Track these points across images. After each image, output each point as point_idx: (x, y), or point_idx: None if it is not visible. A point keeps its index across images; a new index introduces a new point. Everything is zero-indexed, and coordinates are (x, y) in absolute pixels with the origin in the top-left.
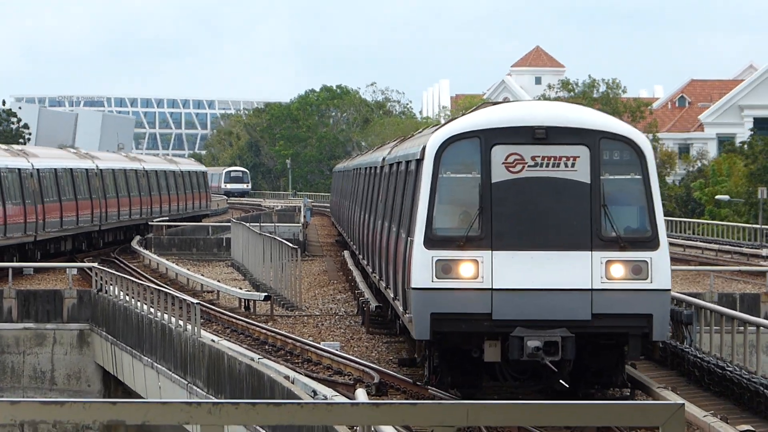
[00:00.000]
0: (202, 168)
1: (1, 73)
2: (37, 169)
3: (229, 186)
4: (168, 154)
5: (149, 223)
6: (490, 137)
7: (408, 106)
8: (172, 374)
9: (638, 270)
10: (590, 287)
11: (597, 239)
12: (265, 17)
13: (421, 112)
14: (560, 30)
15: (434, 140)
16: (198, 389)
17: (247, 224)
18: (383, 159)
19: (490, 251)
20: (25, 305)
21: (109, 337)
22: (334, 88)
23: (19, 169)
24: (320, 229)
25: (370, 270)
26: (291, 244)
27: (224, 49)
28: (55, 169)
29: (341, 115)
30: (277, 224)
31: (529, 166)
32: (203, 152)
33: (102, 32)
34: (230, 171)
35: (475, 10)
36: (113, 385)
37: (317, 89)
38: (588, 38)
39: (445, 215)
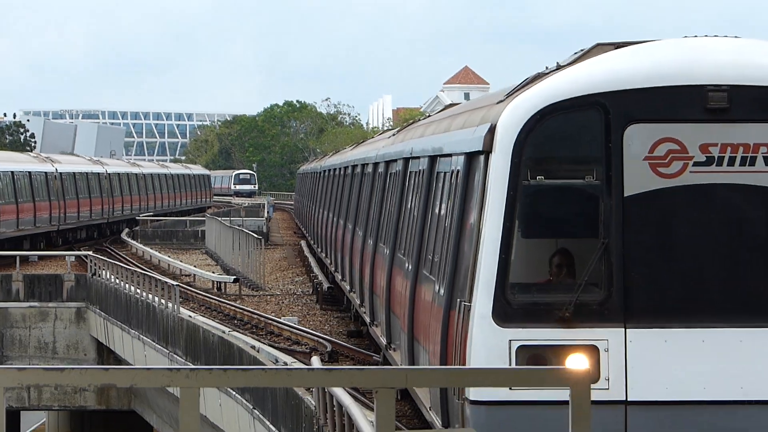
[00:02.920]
0: (206, 172)
1: (12, 90)
2: (109, 174)
3: (238, 187)
4: (153, 160)
5: (136, 218)
6: (621, 107)
7: (357, 118)
8: (156, 344)
9: None
10: None
11: None
12: (234, 40)
13: (367, 123)
14: (485, 51)
15: (514, 115)
16: (178, 357)
17: (219, 218)
18: (377, 155)
19: (623, 329)
20: (30, 287)
21: (102, 313)
22: (295, 102)
23: (98, 174)
24: (281, 222)
25: (358, 302)
26: (256, 235)
27: (200, 68)
28: (119, 173)
29: (300, 125)
30: (244, 218)
31: (696, 164)
32: (183, 158)
33: (97, 53)
34: (239, 174)
35: (411, 33)
36: (106, 354)
37: (280, 103)
38: (509, 58)
39: (532, 259)
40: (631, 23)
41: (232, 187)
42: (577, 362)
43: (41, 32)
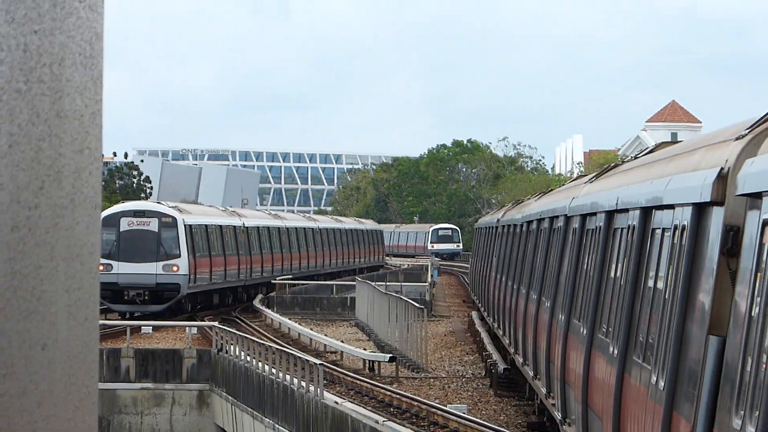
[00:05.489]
0: (379, 227)
1: (125, 126)
2: (287, 228)
3: (436, 246)
4: (293, 211)
5: (272, 281)
6: None
7: (540, 162)
8: None
9: None
10: None
11: None
12: (394, 70)
13: (553, 168)
14: (696, 84)
15: None
16: None
17: (372, 283)
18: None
19: None
20: (143, 364)
21: (230, 397)
22: (465, 142)
23: (278, 228)
24: (447, 288)
25: (544, 392)
26: (417, 304)
27: (352, 103)
28: (296, 228)
29: (471, 170)
30: (402, 283)
31: None
32: (329, 208)
33: (227, 84)
34: (438, 229)
35: (607, 64)
36: None
37: (448, 144)
38: (724, 93)
39: None
40: None
41: (429, 246)
42: None
43: (162, 61)
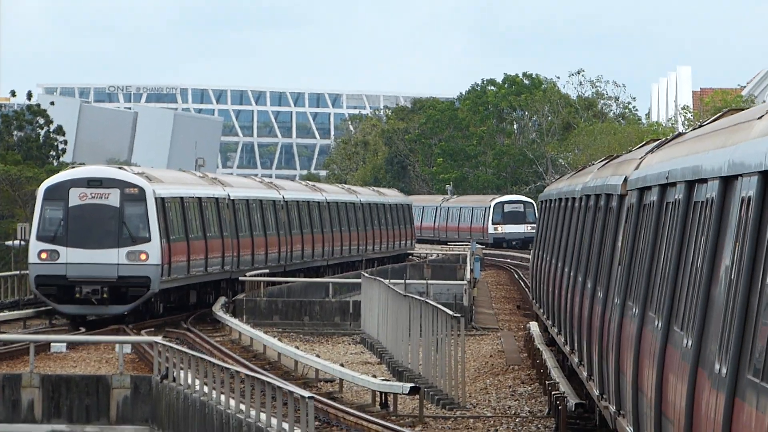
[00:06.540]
0: (407, 200)
1: (28, 53)
2: (286, 201)
3: (500, 228)
4: (271, 176)
5: (239, 278)
6: None
7: (630, 106)
8: None
9: None
10: None
11: None
12: None
13: (648, 115)
14: None
15: None
16: None
17: (386, 281)
18: None
19: None
20: (53, 398)
21: None
22: (520, 77)
23: (274, 201)
24: (495, 288)
25: None
26: (450, 312)
27: (357, 16)
28: (298, 201)
29: (530, 118)
30: (430, 281)
31: None
32: (323, 173)
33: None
34: (503, 203)
35: None
36: None
37: (497, 79)
38: None
39: None
40: None
41: (490, 228)
42: None
43: None
